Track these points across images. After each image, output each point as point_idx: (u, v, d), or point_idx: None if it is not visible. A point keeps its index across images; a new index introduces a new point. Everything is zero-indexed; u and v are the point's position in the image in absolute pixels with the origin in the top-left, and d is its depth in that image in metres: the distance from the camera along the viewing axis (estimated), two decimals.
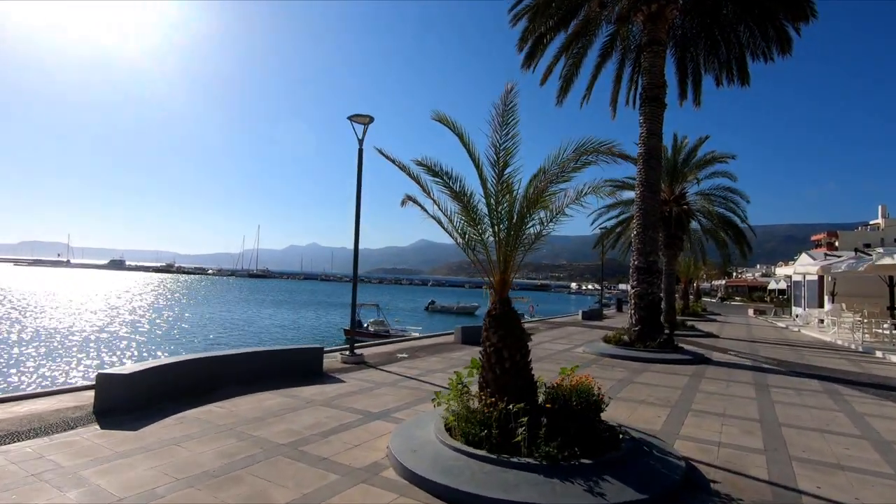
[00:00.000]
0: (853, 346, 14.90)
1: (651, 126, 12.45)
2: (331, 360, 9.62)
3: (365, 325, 24.99)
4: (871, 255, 16.55)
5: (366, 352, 10.90)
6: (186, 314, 39.10)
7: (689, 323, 18.61)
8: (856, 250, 19.01)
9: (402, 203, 5.89)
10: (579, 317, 23.81)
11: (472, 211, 5.38)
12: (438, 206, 5.51)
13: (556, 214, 5.43)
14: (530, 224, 5.25)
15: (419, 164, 5.59)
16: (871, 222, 74.49)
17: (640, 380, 8.71)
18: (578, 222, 20.50)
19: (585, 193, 5.48)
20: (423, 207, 5.68)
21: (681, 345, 13.87)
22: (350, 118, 9.93)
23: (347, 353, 9.81)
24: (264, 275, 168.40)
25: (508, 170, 5.15)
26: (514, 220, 5.21)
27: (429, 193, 5.47)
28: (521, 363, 5.05)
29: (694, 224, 17.86)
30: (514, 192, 5.23)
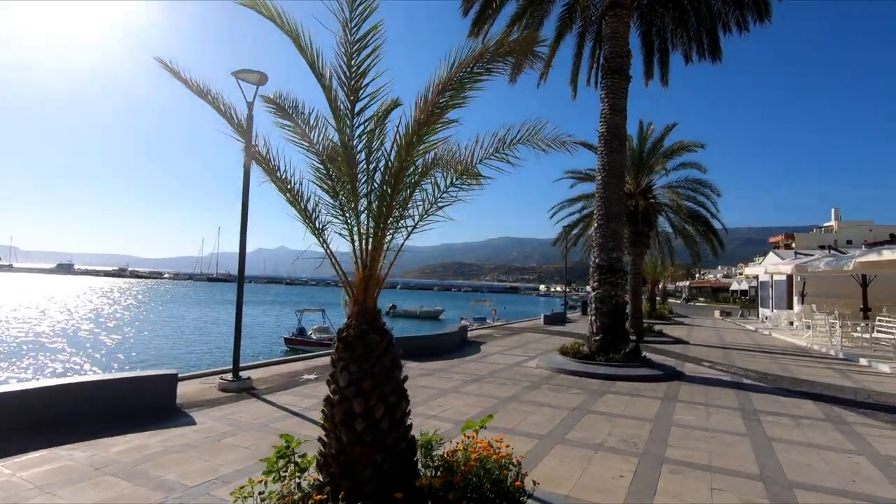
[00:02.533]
0: (832, 353, 13.55)
1: (613, 101, 10.70)
2: (205, 388, 7.37)
3: (308, 332, 22.61)
4: (844, 253, 15.36)
5: (262, 373, 8.66)
6: (75, 323, 33.91)
7: (657, 328, 17.08)
8: (829, 248, 17.91)
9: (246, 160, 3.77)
10: (541, 321, 22.07)
11: (329, 163, 3.34)
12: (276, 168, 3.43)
13: (463, 173, 3.44)
14: (411, 177, 3.23)
15: (266, 100, 3.54)
16: (825, 225, 76.61)
17: (600, 407, 6.82)
18: (550, 224, 18.82)
19: (514, 142, 3.54)
20: (268, 165, 3.57)
21: (649, 355, 12.18)
22: (235, 74, 7.71)
23: (230, 377, 7.57)
24: (226, 279, 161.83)
25: (370, 89, 3.12)
26: (386, 175, 3.19)
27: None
28: (388, 422, 2.98)
29: (661, 220, 16.38)
30: (383, 129, 3.20)
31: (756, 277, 30.18)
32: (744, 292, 58.54)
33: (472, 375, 8.90)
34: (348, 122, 3.16)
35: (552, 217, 17.69)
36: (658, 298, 32.52)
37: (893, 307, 16.75)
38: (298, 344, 21.16)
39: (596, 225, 10.68)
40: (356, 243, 3.29)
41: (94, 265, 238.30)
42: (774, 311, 22.71)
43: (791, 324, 19.33)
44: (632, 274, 16.54)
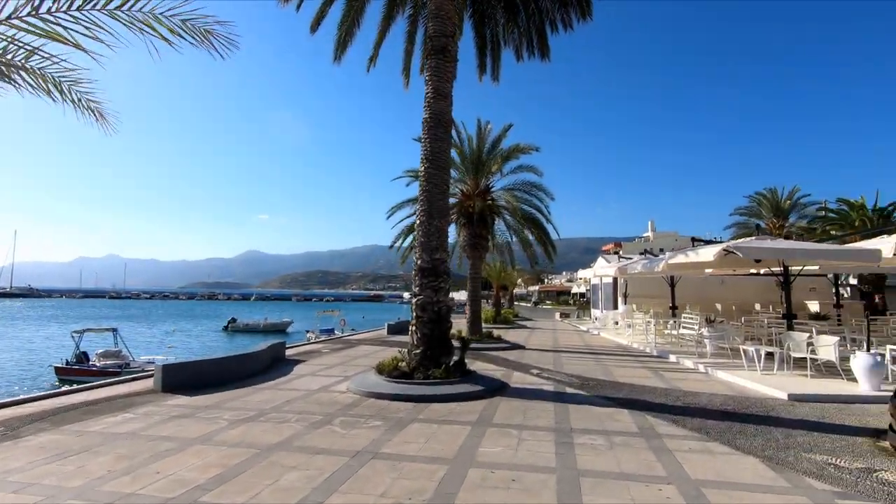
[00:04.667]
0: (648, 350, 14.25)
1: (438, 85, 9.58)
2: None
3: (91, 358, 17.95)
4: (658, 256, 16.56)
5: None
6: None
7: (497, 333, 16.69)
8: (645, 251, 19.40)
9: None
10: (385, 331, 20.60)
11: None
12: None
13: None
14: None
15: None
16: (643, 235, 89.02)
17: (393, 447, 5.32)
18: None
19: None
20: None
21: (481, 364, 11.31)
22: None
23: None
24: (26, 293, 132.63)
25: None
26: None
27: None
28: None
29: (499, 223, 16.06)
30: None
31: (589, 280, 32.66)
32: (582, 295, 64.59)
33: (251, 411, 6.85)
34: None
35: (389, 218, 16.44)
36: (504, 302, 33.42)
37: (695, 305, 18.71)
38: (74, 374, 16.60)
39: (418, 222, 9.41)
40: None
41: None
42: (603, 311, 24.35)
43: (616, 323, 20.65)
44: (471, 278, 15.90)
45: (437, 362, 8.59)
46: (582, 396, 8.06)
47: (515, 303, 68.49)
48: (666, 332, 15.87)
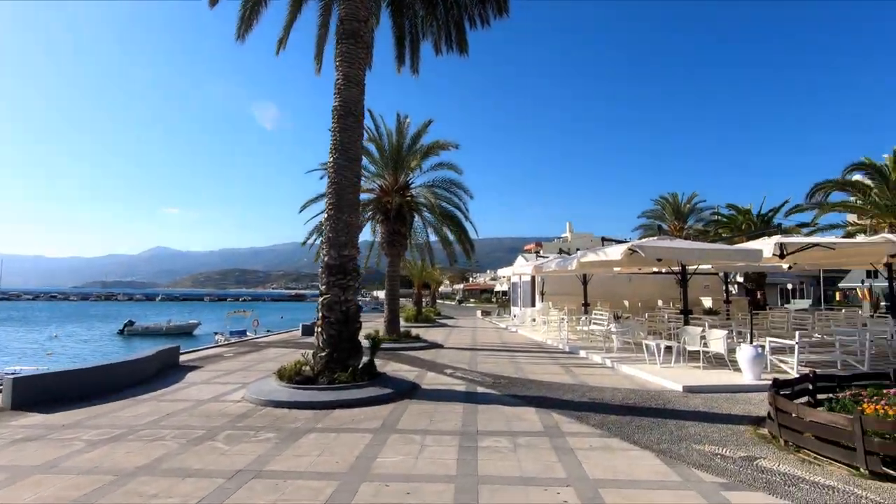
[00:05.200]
0: (561, 346, 14.63)
1: (349, 71, 9.05)
2: None
3: None
4: (572, 255, 17.12)
5: None
6: None
7: (416, 332, 16.39)
8: (560, 251, 20.02)
9: None
10: (299, 332, 19.59)
11: None
12: None
13: None
14: None
15: None
16: (562, 235, 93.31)
17: (281, 463, 4.79)
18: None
19: None
20: None
21: (396, 365, 10.95)
22: None
23: None
24: None
25: None
26: None
27: None
28: None
29: (418, 220, 15.75)
30: None
31: (510, 279, 33.41)
32: (504, 293, 66.27)
33: (120, 429, 5.96)
34: None
35: (301, 212, 15.49)
36: (426, 301, 33.29)
37: (606, 302, 19.63)
38: None
39: (326, 216, 8.83)
40: None
41: None
42: (521, 309, 24.92)
43: (534, 321, 21.17)
44: (389, 276, 15.46)
45: (343, 365, 8.08)
46: (493, 396, 7.94)
47: (440, 301, 68.83)
48: (578, 328, 16.42)
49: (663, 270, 16.67)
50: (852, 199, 20.59)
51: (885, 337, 11.27)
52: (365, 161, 16.16)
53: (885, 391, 5.32)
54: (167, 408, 7.09)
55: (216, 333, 29.10)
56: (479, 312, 35.65)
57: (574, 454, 5.04)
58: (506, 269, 24.70)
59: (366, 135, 15.82)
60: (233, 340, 20.40)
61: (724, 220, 27.85)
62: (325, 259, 8.61)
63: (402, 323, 20.07)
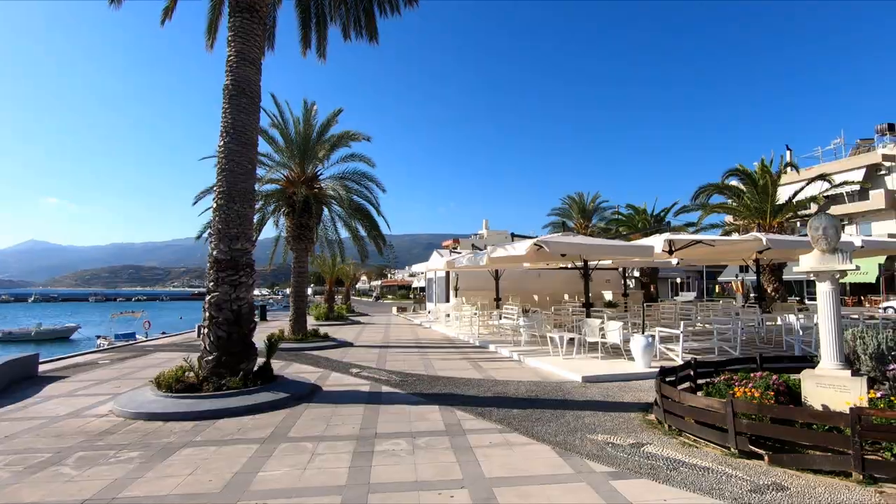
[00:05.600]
0: (472, 341, 14.73)
1: (243, 48, 8.27)
2: None
3: None
4: (483, 251, 17.36)
5: None
6: None
7: (325, 331, 15.66)
8: (473, 246, 20.24)
9: None
10: (196, 333, 17.97)
11: None
12: None
13: None
14: None
15: None
16: (478, 232, 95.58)
17: (141, 487, 4.15)
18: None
19: None
20: None
21: (297, 366, 10.32)
22: None
23: None
24: None
25: None
26: None
27: None
28: None
29: (327, 214, 15.02)
30: None
31: (425, 274, 33.38)
32: (422, 289, 66.37)
33: None
34: None
35: (195, 204, 14.01)
36: (339, 297, 32.28)
37: (516, 296, 20.17)
38: None
39: (215, 206, 7.99)
40: None
41: None
42: (436, 305, 24.93)
43: (448, 316, 21.23)
44: (295, 272, 14.59)
45: (234, 370, 7.37)
46: (398, 395, 7.67)
47: (356, 298, 67.37)
48: (490, 322, 16.68)
49: (569, 266, 17.42)
50: (729, 201, 22.97)
51: (753, 325, 12.62)
52: (269, 149, 15.14)
53: (752, 374, 5.79)
54: (10, 428, 5.99)
55: (99, 337, 25.99)
56: (394, 309, 35.26)
57: (473, 453, 4.91)
58: (420, 265, 24.56)
59: (269, 120, 14.85)
60: (117, 345, 18.25)
61: (624, 218, 29.91)
62: (214, 253, 7.80)
63: (311, 321, 19.19)
